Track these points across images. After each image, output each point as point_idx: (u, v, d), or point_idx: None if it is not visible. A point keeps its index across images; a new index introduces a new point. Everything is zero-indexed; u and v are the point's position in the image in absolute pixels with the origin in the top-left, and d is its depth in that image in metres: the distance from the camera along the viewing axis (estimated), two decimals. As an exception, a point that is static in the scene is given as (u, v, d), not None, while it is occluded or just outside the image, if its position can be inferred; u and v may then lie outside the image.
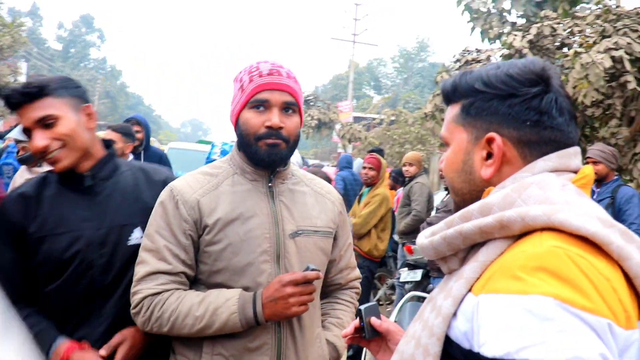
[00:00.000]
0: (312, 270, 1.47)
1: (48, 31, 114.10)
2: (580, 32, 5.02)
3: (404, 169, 5.75)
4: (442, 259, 0.96)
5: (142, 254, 1.53)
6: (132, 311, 1.52)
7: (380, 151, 8.32)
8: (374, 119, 22.15)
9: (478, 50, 6.17)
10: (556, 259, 0.74)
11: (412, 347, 0.93)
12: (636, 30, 4.76)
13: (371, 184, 4.92)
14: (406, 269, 5.31)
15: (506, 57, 4.87)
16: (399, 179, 6.71)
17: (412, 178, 5.74)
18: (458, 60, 6.13)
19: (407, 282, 5.46)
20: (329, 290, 1.81)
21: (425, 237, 0.99)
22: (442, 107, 6.25)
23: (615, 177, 4.30)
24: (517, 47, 4.77)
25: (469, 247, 0.91)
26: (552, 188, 0.85)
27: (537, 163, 0.90)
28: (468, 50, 6.20)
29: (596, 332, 0.69)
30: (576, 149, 0.93)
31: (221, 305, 1.45)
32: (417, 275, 5.63)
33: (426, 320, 0.92)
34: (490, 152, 0.93)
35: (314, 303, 1.62)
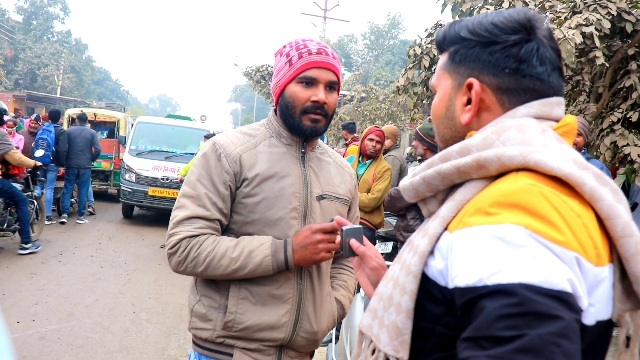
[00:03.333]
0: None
1: (7, 2, 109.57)
2: (551, 7, 5.05)
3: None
4: (422, 201, 0.98)
5: (182, 200, 1.64)
6: (169, 251, 1.61)
7: (352, 124, 8.32)
8: (344, 95, 22.08)
9: (451, 25, 6.15)
10: (529, 195, 0.75)
11: (390, 287, 0.94)
12: (605, 7, 4.80)
13: (374, 156, 4.89)
14: (377, 241, 5.36)
15: (479, 31, 4.85)
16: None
17: (386, 151, 5.77)
18: (430, 35, 6.11)
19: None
20: (336, 257, 1.95)
21: (407, 179, 1.01)
22: (413, 81, 6.25)
23: (583, 151, 4.39)
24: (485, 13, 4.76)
25: (448, 188, 0.93)
26: (532, 132, 0.87)
27: (519, 109, 0.91)
28: (440, 24, 6.18)
29: (564, 263, 0.70)
30: (559, 99, 0.93)
31: (255, 248, 1.58)
32: (388, 247, 5.69)
33: (404, 261, 0.93)
34: (470, 97, 0.95)
35: (327, 264, 1.79)
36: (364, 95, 20.02)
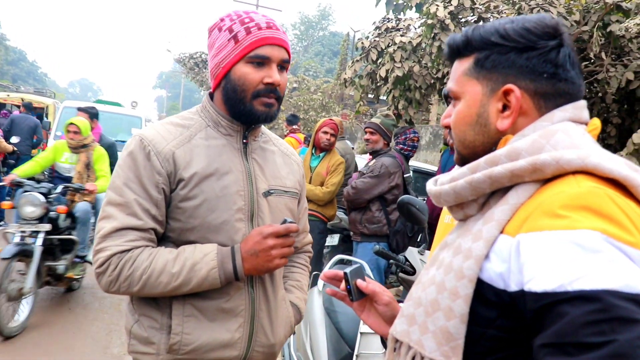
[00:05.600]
0: (290, 222, 1.44)
1: None
2: (495, 7, 5.23)
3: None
4: (458, 205, 0.97)
5: (107, 209, 1.40)
6: (97, 271, 1.39)
7: (295, 117, 8.27)
8: (276, 85, 21.93)
9: (398, 19, 6.23)
10: (598, 198, 0.77)
11: (432, 292, 0.92)
12: (547, 11, 5.04)
13: (328, 149, 4.86)
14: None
15: (428, 26, 4.96)
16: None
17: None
18: (377, 28, 6.16)
19: (325, 247, 5.53)
20: None
21: (441, 184, 1.00)
22: (360, 73, 6.28)
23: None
24: (439, 17, 4.87)
25: (490, 193, 0.93)
26: (576, 135, 0.89)
27: (555, 113, 0.93)
28: (388, 18, 6.25)
29: (636, 264, 0.72)
30: (584, 103, 0.97)
31: (199, 260, 1.38)
32: (335, 240, 5.73)
33: (449, 264, 0.91)
34: (506, 104, 0.95)
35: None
36: (295, 85, 20.00)
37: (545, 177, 0.86)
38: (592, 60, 5.77)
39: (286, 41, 1.48)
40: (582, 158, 0.82)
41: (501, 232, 0.86)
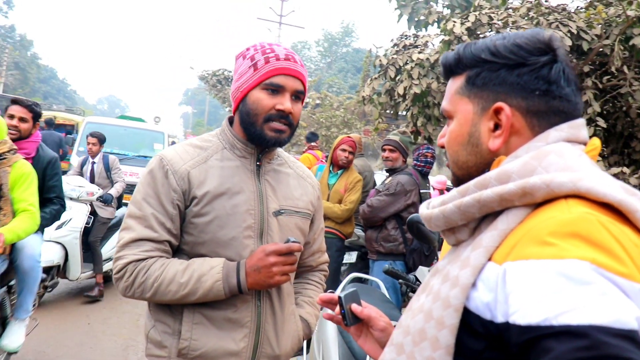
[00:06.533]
0: (293, 242, 1.51)
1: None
2: (514, 23, 5.19)
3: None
4: (450, 230, 0.94)
5: (128, 221, 1.54)
6: (115, 276, 1.53)
7: (314, 135, 8.29)
8: (299, 101, 22.10)
9: (416, 36, 6.23)
10: (589, 224, 0.72)
11: (420, 320, 0.89)
12: (566, 25, 4.98)
13: (346, 167, 4.84)
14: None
15: (445, 42, 4.94)
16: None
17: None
18: (395, 45, 6.16)
19: (343, 264, 5.50)
20: (300, 272, 1.87)
21: (433, 207, 0.96)
22: (379, 90, 6.28)
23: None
24: (456, 34, 4.85)
25: (481, 217, 0.89)
26: (571, 157, 0.84)
27: (550, 132, 0.89)
28: (406, 35, 6.25)
29: (629, 297, 0.68)
30: (583, 121, 0.92)
31: (206, 272, 1.49)
32: (353, 257, 5.69)
33: (437, 292, 0.88)
34: (497, 122, 0.92)
35: (289, 281, 1.68)
36: (318, 102, 20.10)
37: (536, 202, 0.81)
38: (614, 75, 5.66)
39: (302, 73, 1.58)
40: (574, 181, 0.78)
41: (489, 259, 0.82)
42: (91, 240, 5.71)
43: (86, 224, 5.50)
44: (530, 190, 0.80)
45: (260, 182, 1.61)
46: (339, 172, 4.87)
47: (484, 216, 0.89)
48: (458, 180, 1.00)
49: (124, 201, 7.76)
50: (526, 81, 0.89)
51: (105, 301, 5.75)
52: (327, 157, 6.98)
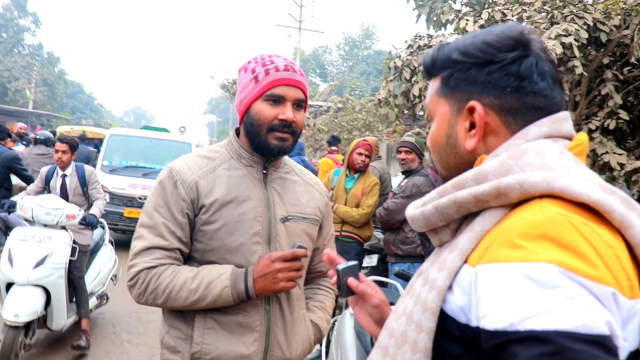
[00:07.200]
0: (299, 247, 1.55)
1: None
2: (528, 18, 5.12)
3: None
4: (433, 230, 0.93)
5: (139, 230, 1.60)
6: (128, 284, 1.59)
7: (335, 139, 8.30)
8: (320, 106, 22.15)
9: (430, 36, 6.19)
10: (559, 226, 0.70)
11: (402, 323, 0.88)
12: (582, 17, 4.89)
13: (363, 170, 4.83)
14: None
15: (459, 42, 4.90)
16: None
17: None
18: (410, 46, 6.13)
19: (364, 267, 5.48)
20: (311, 278, 1.91)
21: (415, 208, 0.95)
22: (395, 93, 6.26)
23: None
24: (469, 32, 4.80)
25: (462, 217, 0.88)
26: (550, 154, 0.81)
27: (530, 129, 0.86)
28: (420, 36, 6.22)
29: (600, 301, 0.66)
30: (566, 114, 0.90)
31: (215, 279, 1.53)
32: (373, 260, 5.66)
33: (418, 295, 0.87)
34: (473, 122, 0.90)
35: (299, 286, 1.73)
36: (340, 106, 20.09)
37: (512, 202, 0.79)
38: (636, 65, 5.53)
39: (302, 82, 1.62)
40: (547, 181, 0.75)
41: (465, 261, 0.81)
42: (75, 276, 4.43)
43: (70, 256, 4.23)
44: (504, 191, 0.79)
45: (267, 189, 1.66)
46: (356, 175, 4.86)
47: (465, 217, 0.88)
48: (444, 181, 0.98)
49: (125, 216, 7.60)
50: (496, 79, 0.88)
51: (131, 311, 5.84)
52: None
